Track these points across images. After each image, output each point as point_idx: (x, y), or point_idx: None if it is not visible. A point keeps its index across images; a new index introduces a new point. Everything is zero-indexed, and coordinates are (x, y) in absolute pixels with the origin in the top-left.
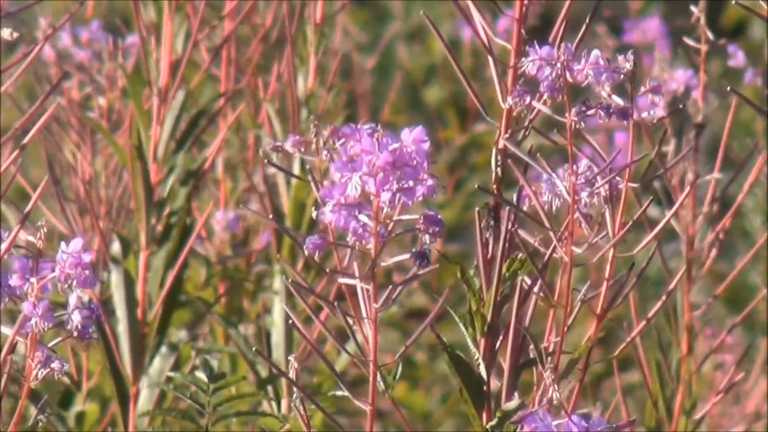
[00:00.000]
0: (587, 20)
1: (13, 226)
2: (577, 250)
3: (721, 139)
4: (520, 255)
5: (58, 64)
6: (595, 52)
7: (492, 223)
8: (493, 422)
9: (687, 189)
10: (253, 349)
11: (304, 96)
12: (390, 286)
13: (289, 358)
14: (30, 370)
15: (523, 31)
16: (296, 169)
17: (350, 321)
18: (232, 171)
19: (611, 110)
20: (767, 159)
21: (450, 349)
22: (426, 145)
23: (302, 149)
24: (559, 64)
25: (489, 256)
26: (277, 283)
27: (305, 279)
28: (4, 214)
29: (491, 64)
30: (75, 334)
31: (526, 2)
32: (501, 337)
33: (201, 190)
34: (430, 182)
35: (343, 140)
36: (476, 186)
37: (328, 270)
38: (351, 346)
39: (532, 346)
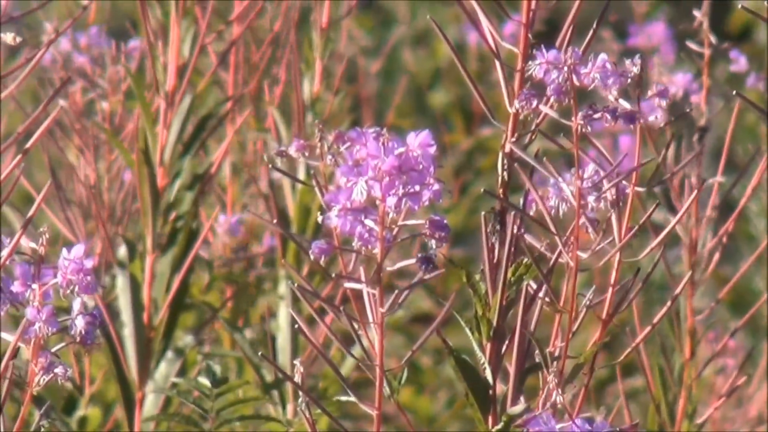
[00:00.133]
0: (594, 25)
1: (17, 231)
2: (583, 255)
3: (724, 142)
4: (526, 260)
5: (62, 68)
6: (602, 56)
7: (498, 227)
8: (499, 426)
9: (690, 193)
10: (260, 353)
11: (309, 100)
12: (396, 291)
13: (294, 362)
14: (33, 375)
15: (530, 35)
16: (301, 174)
17: (356, 325)
18: (239, 175)
19: (617, 114)
20: None
21: (456, 354)
22: (432, 150)
23: (306, 154)
24: (566, 68)
25: (495, 260)
26: (282, 287)
27: (310, 283)
28: (7, 219)
29: (498, 68)
30: (78, 339)
31: (533, 7)
32: (507, 342)
33: (208, 194)
34: (436, 186)
35: (348, 144)
36: (482, 190)
37: (333, 275)
38: (356, 351)
39: (537, 351)
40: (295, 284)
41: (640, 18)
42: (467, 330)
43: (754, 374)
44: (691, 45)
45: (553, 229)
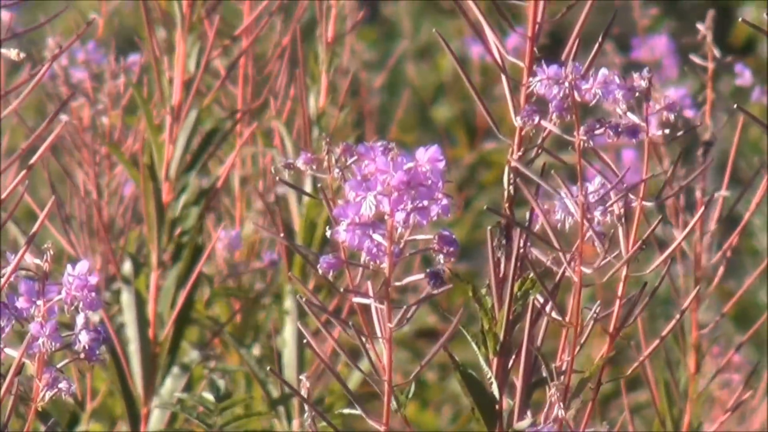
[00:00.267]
0: (599, 39)
1: (19, 247)
2: (587, 271)
3: (727, 156)
4: (532, 274)
5: (63, 83)
6: (603, 71)
7: (504, 242)
8: None
9: (694, 207)
10: (268, 368)
11: (315, 114)
12: (404, 306)
13: (300, 377)
14: (37, 390)
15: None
16: (307, 188)
17: (363, 339)
18: (247, 189)
19: (620, 129)
20: None
21: (462, 369)
22: (441, 165)
23: (314, 167)
24: (566, 84)
25: (501, 275)
26: (288, 302)
27: (318, 298)
28: (9, 234)
29: (504, 82)
30: (82, 355)
31: (539, 20)
32: (513, 356)
33: (217, 209)
34: (444, 201)
35: (355, 158)
36: (485, 207)
37: (342, 289)
38: (363, 365)
39: (543, 365)
40: (303, 298)
41: (643, 31)
42: (474, 345)
43: (758, 388)
44: (695, 58)
45: (556, 244)
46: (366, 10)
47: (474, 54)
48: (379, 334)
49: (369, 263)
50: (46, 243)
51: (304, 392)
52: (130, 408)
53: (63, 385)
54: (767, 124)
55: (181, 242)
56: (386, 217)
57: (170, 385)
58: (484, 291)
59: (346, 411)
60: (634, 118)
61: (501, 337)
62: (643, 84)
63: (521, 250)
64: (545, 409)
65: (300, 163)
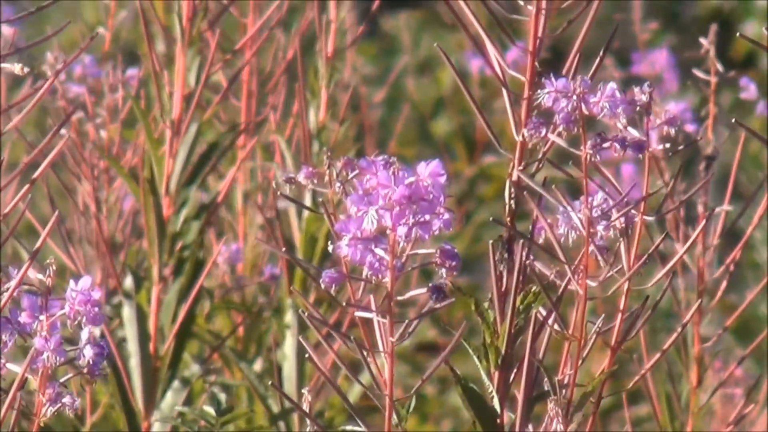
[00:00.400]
0: (601, 53)
1: (20, 261)
2: (592, 284)
3: (729, 170)
4: (534, 288)
5: (62, 97)
6: (611, 85)
7: (506, 255)
8: None
9: (696, 221)
10: (270, 383)
11: (315, 129)
12: (406, 320)
13: (303, 391)
14: (40, 405)
15: (536, 63)
16: (308, 202)
17: (365, 353)
18: (250, 204)
19: (626, 143)
20: None
21: (463, 382)
22: (442, 179)
23: (315, 181)
24: (575, 97)
25: (503, 288)
26: (288, 316)
27: (319, 312)
28: (10, 250)
29: (505, 96)
30: (86, 370)
31: (540, 35)
32: (515, 370)
33: (219, 224)
34: (446, 216)
35: (357, 172)
36: (490, 219)
37: (344, 303)
38: (364, 378)
39: (546, 379)
40: (304, 312)
41: (643, 45)
42: (475, 358)
43: (757, 399)
44: (698, 73)
45: (562, 257)
46: (366, 25)
47: (473, 68)
48: (380, 347)
49: (371, 277)
50: (47, 258)
51: (305, 406)
52: (131, 422)
53: (67, 400)
54: (767, 139)
55: (182, 257)
56: (388, 231)
57: (171, 399)
58: (486, 305)
59: (349, 429)
60: (634, 132)
61: (503, 350)
62: (644, 98)
63: (524, 264)
64: (544, 424)
65: (301, 178)
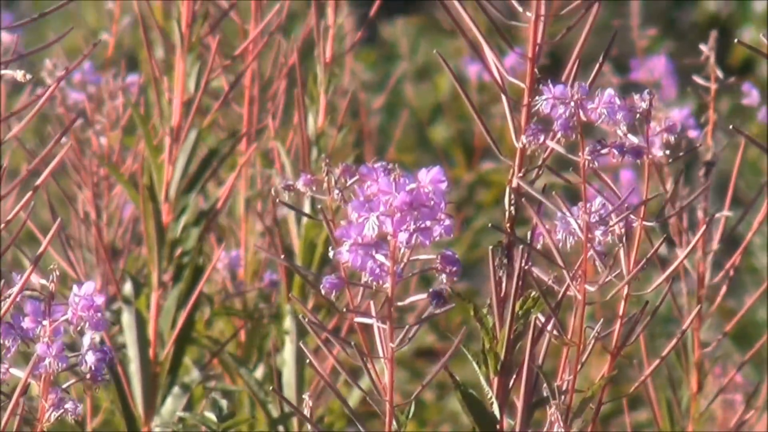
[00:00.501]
0: (600, 60)
1: (21, 268)
2: (591, 289)
3: (728, 176)
4: (533, 293)
5: (61, 104)
6: (609, 91)
7: (505, 261)
8: None
9: (698, 227)
10: (270, 388)
11: (314, 135)
12: (406, 326)
13: (303, 396)
14: (43, 411)
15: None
16: (306, 209)
17: (364, 359)
18: (252, 210)
19: (625, 149)
20: None
21: (463, 388)
22: (443, 186)
23: (314, 188)
24: (573, 103)
25: (502, 294)
26: (288, 322)
27: (318, 318)
28: (9, 257)
29: (504, 102)
30: (88, 375)
31: (539, 41)
32: (514, 376)
33: (221, 230)
34: (447, 222)
35: (356, 179)
36: (489, 225)
37: (343, 309)
38: (363, 383)
39: (545, 385)
40: (304, 318)
41: (642, 52)
42: (475, 364)
43: (756, 404)
44: (697, 79)
45: (561, 262)
46: (364, 31)
47: (471, 74)
48: (380, 353)
49: (371, 283)
50: (47, 265)
51: (306, 411)
52: (131, 427)
53: (69, 405)
54: (764, 144)
55: (182, 263)
56: (389, 237)
57: (171, 405)
58: (485, 310)
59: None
60: (634, 139)
61: (502, 356)
62: (644, 105)
63: (523, 269)
64: (545, 429)
65: (300, 185)
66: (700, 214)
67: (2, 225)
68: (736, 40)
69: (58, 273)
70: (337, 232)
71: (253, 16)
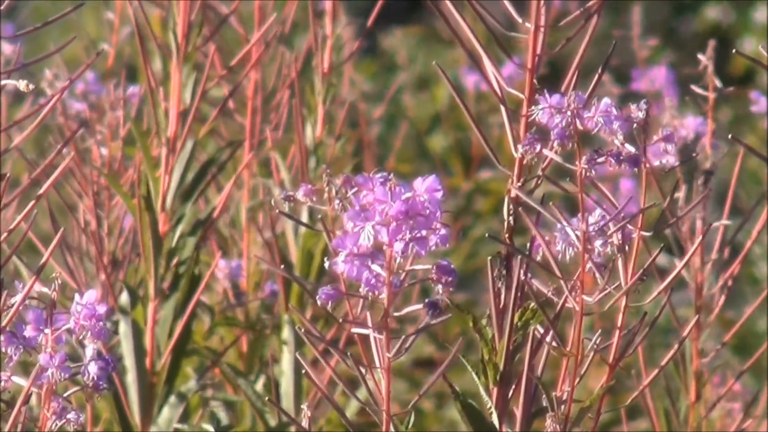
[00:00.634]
0: (599, 70)
1: (21, 278)
2: (589, 300)
3: (726, 185)
4: (532, 304)
5: (62, 114)
6: (606, 100)
7: (504, 272)
8: None
9: (696, 236)
10: (266, 399)
11: (312, 145)
12: (402, 336)
13: (302, 406)
14: (45, 421)
15: (535, 80)
16: (304, 218)
17: (362, 369)
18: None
19: (622, 158)
20: None
21: (462, 398)
22: (439, 195)
23: (314, 199)
24: (569, 112)
25: (501, 305)
26: (286, 332)
27: (316, 328)
28: (14, 266)
29: (503, 112)
30: (90, 384)
31: (538, 53)
32: (513, 386)
33: (225, 238)
34: (443, 231)
35: (355, 189)
36: (486, 235)
37: (340, 319)
38: (361, 394)
39: (544, 395)
40: (301, 328)
41: (643, 62)
42: (474, 374)
43: (754, 412)
44: (696, 89)
45: (559, 273)
46: (363, 41)
47: (469, 84)
48: (377, 363)
49: (368, 294)
50: (49, 274)
51: (305, 422)
52: None
53: (71, 416)
54: (764, 154)
55: (178, 272)
56: (385, 247)
57: (167, 415)
58: (484, 321)
59: None
60: (630, 148)
61: (501, 367)
62: (640, 115)
63: (522, 280)
64: None
65: (300, 195)
66: (698, 223)
67: (4, 235)
68: (734, 51)
69: (60, 282)
70: (332, 242)
71: (256, 26)
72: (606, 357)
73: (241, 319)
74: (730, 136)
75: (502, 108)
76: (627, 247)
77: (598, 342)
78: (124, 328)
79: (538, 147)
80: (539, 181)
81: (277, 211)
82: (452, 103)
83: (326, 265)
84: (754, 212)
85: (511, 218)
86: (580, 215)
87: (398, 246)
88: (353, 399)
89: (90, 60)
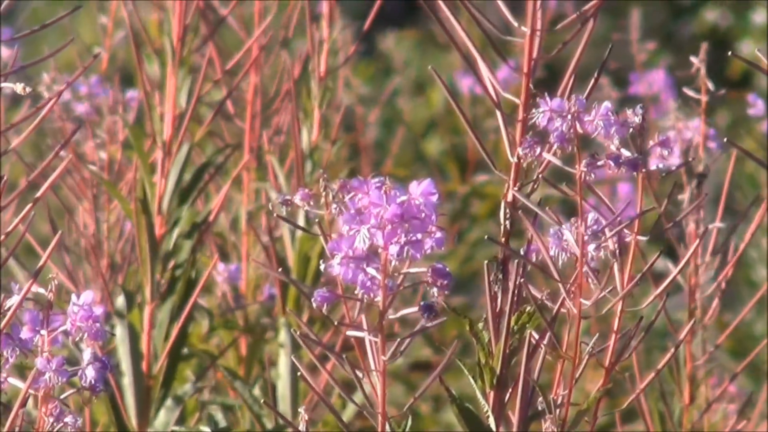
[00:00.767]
0: (596, 73)
1: (18, 281)
2: (586, 303)
3: (727, 189)
4: (529, 308)
5: (60, 117)
6: (606, 104)
7: (500, 276)
8: None
9: (690, 239)
10: (262, 401)
11: (308, 149)
12: (398, 339)
13: (299, 410)
14: (42, 424)
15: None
16: (301, 222)
17: (358, 373)
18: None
19: (621, 161)
20: None
21: (459, 402)
22: (434, 198)
23: (311, 203)
24: (569, 116)
25: (497, 309)
26: (282, 335)
27: (312, 331)
28: (10, 268)
29: (499, 117)
30: (87, 386)
31: (534, 57)
32: (510, 389)
33: (225, 242)
34: (438, 235)
35: (350, 194)
36: (485, 237)
37: (336, 323)
38: (357, 398)
39: (540, 398)
40: (297, 332)
41: (641, 66)
42: (470, 378)
43: (752, 416)
44: (688, 92)
45: (557, 276)
46: (359, 45)
47: (464, 87)
48: (373, 366)
49: (363, 296)
50: (48, 275)
51: (302, 425)
52: None
53: (69, 419)
54: (760, 157)
55: (175, 275)
56: (380, 250)
57: (164, 418)
58: (480, 325)
59: None
60: (627, 153)
61: (498, 370)
62: (637, 120)
63: (518, 284)
64: None
65: (297, 199)
66: (691, 226)
67: (2, 237)
68: (730, 53)
69: (56, 283)
70: (328, 245)
71: (256, 29)
72: (602, 360)
73: (240, 323)
74: (725, 139)
75: (498, 112)
76: (623, 251)
77: (594, 345)
78: (120, 331)
79: (538, 150)
80: (536, 185)
81: (274, 215)
82: (448, 107)
83: (322, 267)
84: (751, 215)
85: (507, 222)
86: (574, 219)
87: (394, 249)
88: (350, 402)
89: (87, 63)
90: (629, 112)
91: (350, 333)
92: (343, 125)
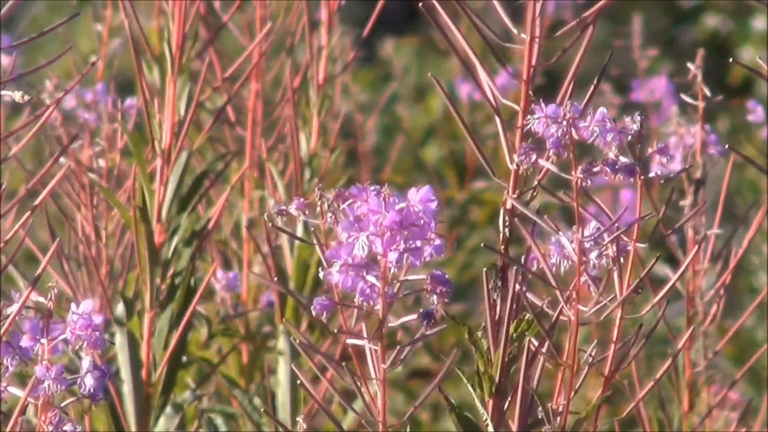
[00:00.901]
0: (596, 79)
1: (19, 288)
2: (584, 309)
3: (727, 195)
4: (528, 316)
5: (64, 125)
6: (601, 110)
7: (499, 284)
8: None
9: (690, 245)
10: (262, 410)
11: (307, 156)
12: (398, 347)
13: (297, 419)
14: None
15: (530, 92)
16: (299, 231)
17: (357, 381)
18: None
19: (617, 167)
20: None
21: (458, 410)
22: (433, 205)
23: (307, 212)
24: (565, 122)
25: (496, 317)
26: (281, 343)
27: (309, 340)
28: (10, 276)
29: (498, 124)
30: (87, 393)
31: (533, 64)
32: (509, 398)
33: (226, 249)
34: (437, 242)
35: (349, 201)
36: (482, 245)
37: (335, 330)
38: (357, 406)
39: (539, 407)
40: (297, 340)
41: (642, 72)
42: (469, 386)
43: (754, 425)
44: (686, 98)
45: (555, 284)
46: (358, 51)
47: (462, 93)
48: (373, 375)
49: (362, 304)
50: (44, 285)
51: None
52: None
53: (68, 427)
54: (761, 164)
55: (174, 283)
56: (379, 257)
57: (164, 426)
58: (479, 333)
59: None
60: (625, 159)
61: (497, 378)
62: (635, 127)
63: (517, 291)
64: None
65: (293, 209)
66: (690, 233)
67: (1, 244)
68: (731, 60)
69: (56, 291)
70: (327, 253)
71: (258, 34)
72: (602, 368)
73: (240, 330)
74: (726, 146)
75: (497, 118)
76: (622, 258)
77: (593, 353)
78: (119, 339)
79: (534, 157)
80: (535, 192)
81: (270, 225)
82: (447, 114)
83: (321, 275)
84: (750, 221)
85: (506, 229)
86: (574, 227)
87: (392, 256)
88: (350, 410)
89: (86, 70)
90: (628, 119)
91: (350, 341)
92: (342, 132)
